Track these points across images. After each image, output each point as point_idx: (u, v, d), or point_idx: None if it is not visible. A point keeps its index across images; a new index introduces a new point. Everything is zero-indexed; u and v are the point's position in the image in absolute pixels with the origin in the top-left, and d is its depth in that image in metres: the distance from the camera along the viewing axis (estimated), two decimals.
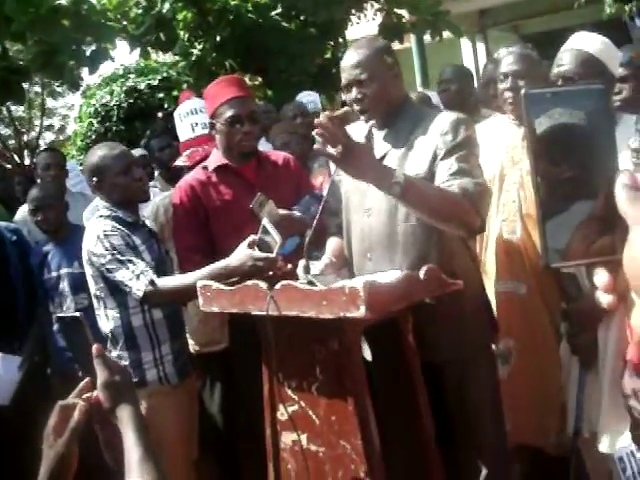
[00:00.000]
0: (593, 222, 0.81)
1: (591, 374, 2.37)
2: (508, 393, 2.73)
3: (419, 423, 2.29)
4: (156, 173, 4.39)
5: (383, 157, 2.38)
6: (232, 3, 6.56)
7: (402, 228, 2.36)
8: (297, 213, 2.78)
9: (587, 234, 0.80)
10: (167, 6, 6.38)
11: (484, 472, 2.45)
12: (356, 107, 2.43)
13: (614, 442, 2.09)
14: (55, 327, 3.47)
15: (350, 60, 2.42)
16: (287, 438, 2.28)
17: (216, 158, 2.92)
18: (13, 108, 15.46)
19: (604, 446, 2.13)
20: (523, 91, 0.86)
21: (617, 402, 2.09)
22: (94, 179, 2.82)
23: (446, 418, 2.42)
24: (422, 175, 2.32)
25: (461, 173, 2.27)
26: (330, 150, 2.05)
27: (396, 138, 2.41)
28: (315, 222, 2.29)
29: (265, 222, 2.46)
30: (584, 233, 0.80)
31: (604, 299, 0.79)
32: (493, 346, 2.71)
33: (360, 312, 1.92)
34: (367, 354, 2.39)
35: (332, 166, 2.52)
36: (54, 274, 3.52)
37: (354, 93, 2.40)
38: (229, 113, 2.80)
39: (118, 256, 2.64)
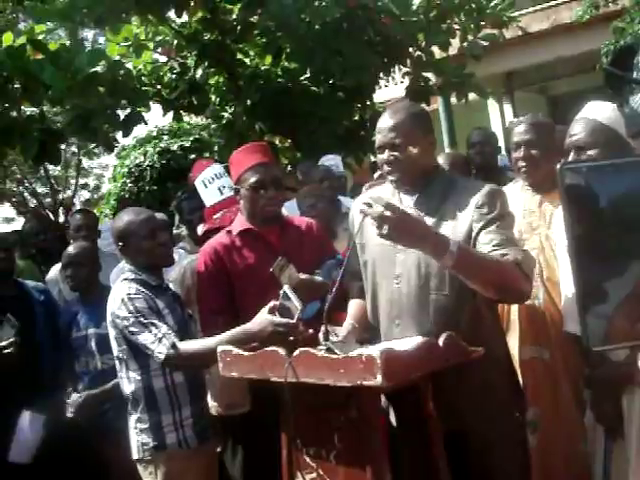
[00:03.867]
0: (636, 300, 0.78)
1: (617, 443, 2.32)
2: (538, 462, 2.68)
3: None
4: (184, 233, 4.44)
5: None
6: (262, 68, 6.74)
7: (434, 297, 2.34)
8: (318, 278, 2.80)
9: (630, 313, 0.78)
10: (200, 72, 6.58)
11: None
12: (386, 168, 2.44)
13: None
14: (80, 386, 3.51)
15: (386, 123, 2.42)
16: None
17: (240, 222, 2.97)
18: (50, 167, 15.92)
19: None
20: (559, 166, 0.85)
21: None
22: (120, 243, 2.89)
23: None
24: None
25: (506, 243, 2.28)
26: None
27: (427, 205, 2.39)
28: (336, 286, 2.30)
29: (286, 288, 2.48)
30: (627, 312, 0.78)
31: None
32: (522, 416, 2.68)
33: (377, 380, 1.92)
34: (392, 418, 2.37)
35: (354, 230, 2.54)
36: (82, 333, 3.56)
37: (386, 155, 2.41)
38: (253, 179, 2.86)
39: (141, 319, 2.68)
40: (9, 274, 3.69)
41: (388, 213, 2.07)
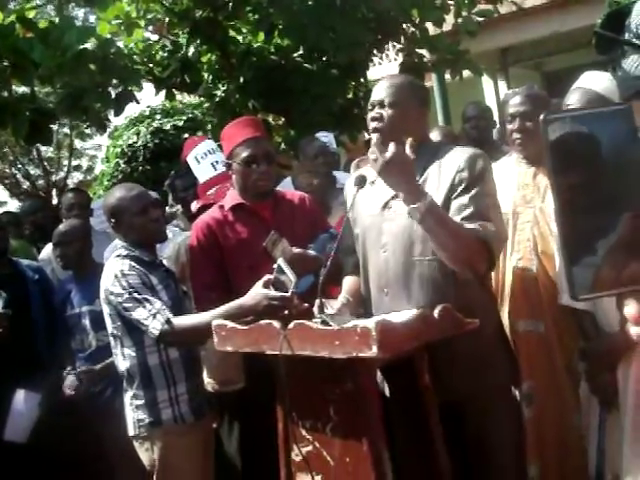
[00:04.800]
0: (621, 248, 0.77)
1: (611, 414, 2.34)
2: (533, 435, 2.69)
3: (435, 463, 2.26)
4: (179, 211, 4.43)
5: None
6: (255, 45, 6.67)
7: (418, 264, 2.36)
8: (311, 252, 2.79)
9: (616, 261, 0.77)
10: (192, 49, 6.51)
11: None
12: (371, 124, 2.45)
13: None
14: (77, 364, 3.51)
15: (383, 84, 2.49)
16: (302, 479, 2.26)
17: (232, 197, 2.96)
18: (42, 149, 15.88)
19: None
20: (542, 116, 0.84)
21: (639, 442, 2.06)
22: (112, 220, 2.87)
23: (464, 457, 2.39)
24: None
25: (477, 216, 2.27)
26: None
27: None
28: (330, 260, 2.29)
29: (280, 261, 2.47)
30: (613, 260, 0.77)
31: (634, 331, 0.77)
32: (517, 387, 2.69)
33: (372, 352, 1.91)
34: (387, 391, 2.37)
35: (347, 204, 2.54)
36: (76, 311, 3.56)
37: (374, 111, 2.44)
38: (245, 153, 2.85)
39: (135, 295, 2.67)
40: (3, 253, 3.68)
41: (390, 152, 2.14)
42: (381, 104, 2.44)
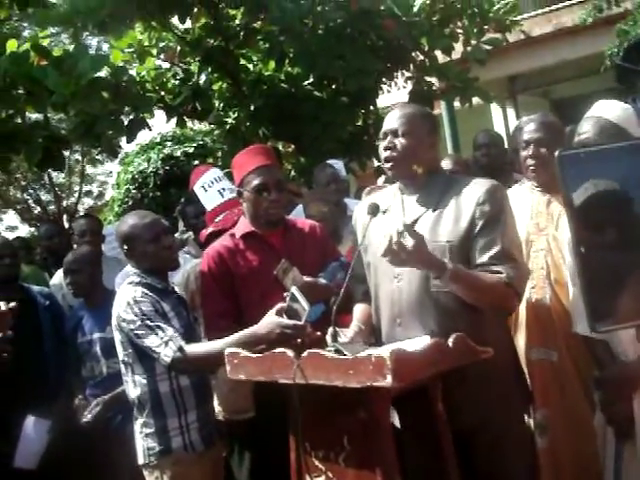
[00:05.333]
0: None
1: (628, 445, 2.30)
2: (548, 464, 2.66)
3: None
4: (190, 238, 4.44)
5: (415, 221, 2.41)
6: (266, 74, 6.73)
7: (434, 294, 2.36)
8: (322, 280, 2.79)
9: (636, 292, 0.77)
10: (203, 77, 6.58)
11: None
12: (384, 154, 2.47)
13: None
14: (87, 392, 3.50)
15: (395, 113, 2.51)
16: None
17: (243, 225, 2.96)
18: (54, 174, 15.96)
19: None
20: (557, 153, 0.85)
21: None
22: (125, 246, 2.88)
23: None
24: (455, 242, 2.35)
25: (503, 257, 2.33)
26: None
27: (428, 203, 2.44)
28: (343, 289, 2.29)
29: (294, 289, 2.47)
30: (633, 292, 0.77)
31: None
32: (530, 416, 2.66)
33: (387, 381, 1.91)
34: (396, 421, 2.35)
35: (359, 234, 2.54)
36: (87, 338, 3.55)
37: (387, 141, 2.47)
38: (256, 181, 2.85)
39: (147, 322, 2.67)
40: (14, 279, 3.69)
41: (410, 243, 2.17)
42: (394, 133, 2.46)
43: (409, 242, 2.18)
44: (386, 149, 2.47)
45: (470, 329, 2.26)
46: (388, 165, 2.48)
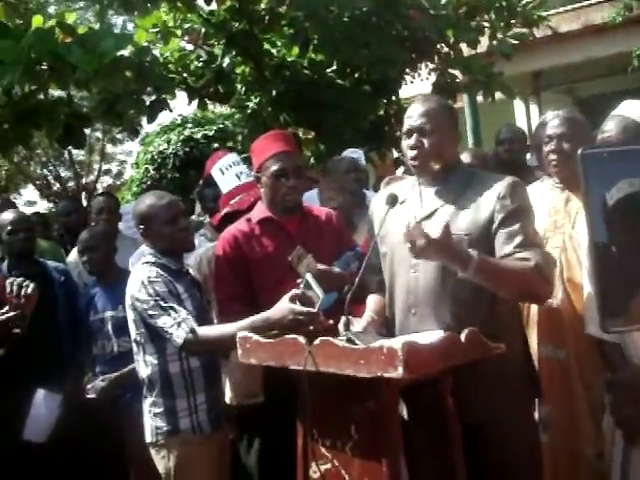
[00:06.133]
0: None
1: (636, 448, 2.29)
2: (548, 460, 2.66)
3: None
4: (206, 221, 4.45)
5: (433, 212, 2.41)
6: (289, 59, 6.71)
7: (451, 286, 2.34)
8: (336, 269, 2.79)
9: None
10: (227, 60, 6.56)
11: None
12: (410, 154, 2.45)
13: None
14: (97, 369, 3.52)
15: (418, 109, 2.47)
16: None
17: (260, 211, 2.96)
18: (74, 152, 16.06)
19: None
20: (580, 151, 0.84)
21: None
22: (141, 226, 2.89)
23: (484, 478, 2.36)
24: (474, 234, 2.34)
25: (528, 244, 2.31)
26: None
27: (447, 195, 2.43)
28: (357, 279, 2.29)
29: (308, 277, 2.47)
30: None
31: None
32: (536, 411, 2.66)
33: (398, 372, 1.90)
34: (404, 413, 2.35)
35: (376, 224, 2.53)
36: (99, 316, 3.58)
37: (413, 140, 2.44)
38: (275, 167, 2.85)
39: (161, 303, 2.68)
40: (30, 254, 3.71)
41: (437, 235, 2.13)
42: (420, 131, 2.43)
43: (434, 230, 2.15)
44: (413, 148, 2.44)
45: (485, 321, 2.26)
46: (415, 163, 2.46)
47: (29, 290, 2.77)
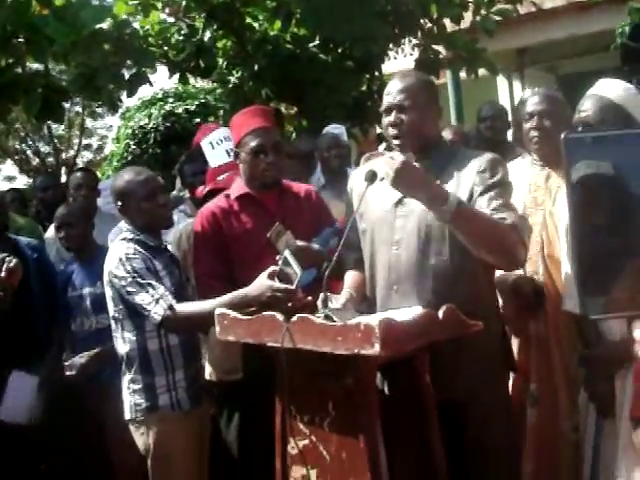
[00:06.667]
0: (638, 272, 0.78)
1: (608, 423, 2.32)
2: (532, 434, 2.69)
3: (431, 461, 2.26)
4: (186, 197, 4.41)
5: None
6: (271, 34, 6.64)
7: (433, 263, 2.35)
8: (315, 245, 2.78)
9: (632, 284, 0.77)
10: (208, 34, 6.48)
11: None
12: (390, 131, 2.45)
13: None
14: (76, 346, 3.49)
15: (396, 85, 2.45)
16: (297, 472, 2.26)
17: (239, 187, 2.94)
18: (53, 126, 15.86)
19: None
20: (563, 135, 0.83)
21: (633, 453, 2.05)
22: (119, 202, 2.86)
23: (461, 458, 2.38)
24: None
25: (504, 207, 2.31)
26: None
27: (428, 172, 2.40)
28: (336, 255, 2.28)
29: (287, 253, 2.46)
30: (628, 283, 0.77)
31: None
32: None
33: (375, 349, 1.91)
34: (385, 388, 2.36)
35: (355, 200, 2.52)
36: (77, 293, 3.54)
37: (392, 117, 2.43)
38: (253, 143, 2.83)
39: (139, 279, 2.66)
40: (2, 230, 3.65)
41: (393, 159, 2.16)
42: (399, 108, 2.42)
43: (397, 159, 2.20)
44: (392, 125, 2.43)
45: (466, 298, 2.27)
46: (396, 142, 2.45)
47: (11, 265, 2.74)
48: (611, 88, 2.45)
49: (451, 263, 2.33)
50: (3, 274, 2.73)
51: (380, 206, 2.46)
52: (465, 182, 2.36)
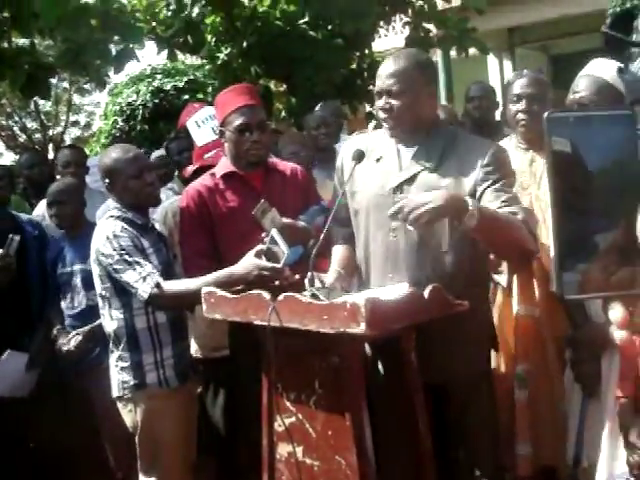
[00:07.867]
0: (613, 252, 0.78)
1: (593, 403, 2.35)
2: (527, 415, 2.72)
3: (417, 441, 2.28)
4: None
5: (414, 177, 2.36)
6: (260, 10, 6.60)
7: (433, 254, 2.33)
8: (301, 223, 2.78)
9: (606, 265, 0.78)
10: (196, 10, 6.43)
11: None
12: (381, 115, 2.41)
13: (612, 473, 2.07)
14: (66, 323, 3.49)
15: (387, 69, 2.39)
16: (283, 449, 2.28)
17: (224, 165, 2.93)
18: (40, 103, 15.70)
19: (602, 477, 2.11)
20: (546, 114, 0.83)
21: (616, 433, 2.08)
22: (107, 180, 2.85)
23: (446, 437, 2.41)
24: None
25: (514, 201, 2.30)
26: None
27: (427, 158, 2.37)
28: (323, 233, 2.27)
29: (273, 232, 2.46)
30: (603, 263, 0.78)
31: (618, 335, 0.78)
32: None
33: (360, 328, 1.92)
34: (380, 367, 2.38)
35: (345, 177, 2.50)
36: (67, 269, 3.53)
37: (382, 101, 2.38)
38: (238, 121, 2.81)
39: (126, 257, 2.66)
40: (3, 204, 3.62)
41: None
42: (389, 93, 2.36)
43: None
44: (383, 110, 2.39)
45: (461, 287, 2.26)
46: (387, 125, 2.41)
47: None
48: (605, 68, 2.44)
49: (450, 255, 2.32)
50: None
51: (375, 189, 2.41)
52: (467, 175, 2.31)
